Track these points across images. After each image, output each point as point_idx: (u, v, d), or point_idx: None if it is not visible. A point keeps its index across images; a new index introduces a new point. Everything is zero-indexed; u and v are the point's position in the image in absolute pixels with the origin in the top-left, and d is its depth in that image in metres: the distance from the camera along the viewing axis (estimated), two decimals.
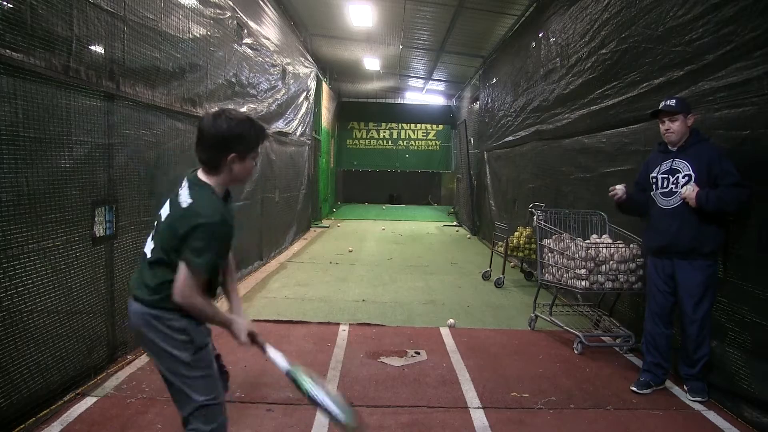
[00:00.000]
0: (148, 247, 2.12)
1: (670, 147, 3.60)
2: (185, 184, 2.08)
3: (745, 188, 3.24)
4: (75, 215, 3.32)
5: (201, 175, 2.08)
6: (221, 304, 2.24)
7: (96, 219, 3.54)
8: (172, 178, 4.37)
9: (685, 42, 3.88)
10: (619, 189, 3.86)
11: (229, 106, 6.03)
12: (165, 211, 2.10)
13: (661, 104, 3.56)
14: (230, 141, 2.01)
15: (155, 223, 2.14)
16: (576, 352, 4.43)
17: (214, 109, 2.09)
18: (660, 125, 3.61)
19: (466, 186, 13.43)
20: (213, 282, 2.15)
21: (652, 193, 3.68)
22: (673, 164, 3.55)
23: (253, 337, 2.18)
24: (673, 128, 3.52)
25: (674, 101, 3.52)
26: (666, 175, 3.58)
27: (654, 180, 3.66)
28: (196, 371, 2.06)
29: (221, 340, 4.19)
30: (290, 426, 3.12)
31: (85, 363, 3.47)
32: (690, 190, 3.41)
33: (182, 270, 1.96)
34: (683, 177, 3.48)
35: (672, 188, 3.54)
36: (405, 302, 6.02)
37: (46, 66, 3.00)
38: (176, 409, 2.13)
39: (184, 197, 2.02)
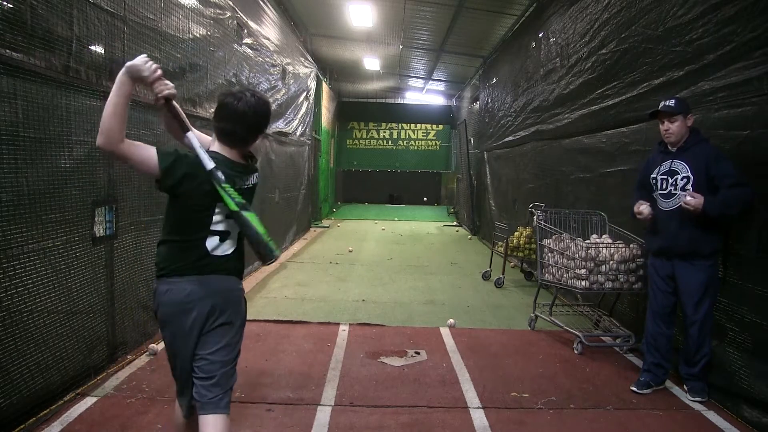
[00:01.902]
0: (226, 246, 2.20)
1: (669, 147, 3.59)
2: (243, 176, 2.18)
3: (745, 187, 3.22)
4: (75, 215, 3.32)
5: (232, 156, 2.16)
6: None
7: (96, 219, 3.54)
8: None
9: (685, 42, 3.88)
10: (646, 211, 3.66)
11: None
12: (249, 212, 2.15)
13: (660, 105, 3.55)
14: (264, 125, 2.21)
15: (226, 226, 2.17)
16: (576, 352, 4.43)
17: (236, 89, 2.24)
18: (660, 125, 3.60)
19: (466, 186, 13.43)
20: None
21: (653, 194, 3.67)
22: (672, 165, 3.54)
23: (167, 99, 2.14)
24: (672, 129, 3.51)
25: (673, 101, 3.51)
26: (665, 177, 3.57)
27: (654, 181, 3.65)
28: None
29: None
30: (290, 426, 3.12)
31: (85, 363, 3.47)
32: (694, 201, 3.31)
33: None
34: (682, 179, 3.47)
35: (671, 190, 3.53)
36: (405, 302, 6.02)
37: (46, 66, 3.00)
38: (220, 385, 2.17)
39: (254, 179, 2.24)
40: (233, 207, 2.03)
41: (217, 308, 2.18)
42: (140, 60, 2.07)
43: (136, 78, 2.07)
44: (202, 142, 2.19)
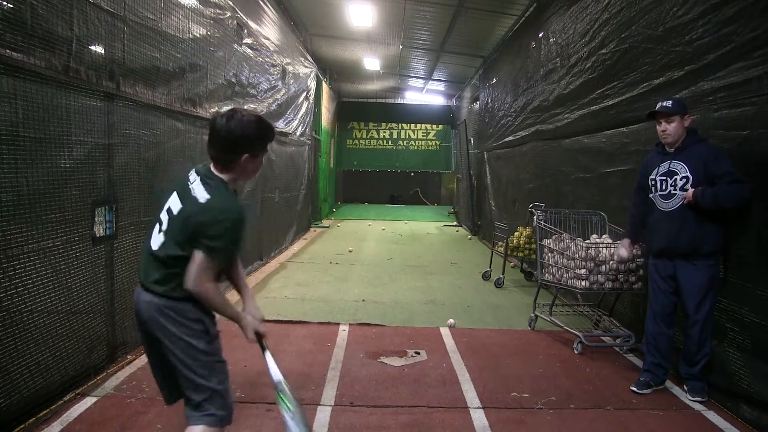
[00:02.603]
0: (156, 240, 2.13)
1: (667, 148, 3.60)
2: (196, 178, 2.12)
3: (744, 184, 3.23)
4: (75, 215, 3.32)
5: (214, 169, 2.14)
6: (231, 296, 2.26)
7: (96, 219, 3.54)
8: (172, 177, 4.37)
9: (685, 42, 3.88)
10: (625, 255, 4.04)
11: (229, 107, 6.03)
12: (175, 204, 2.12)
13: (658, 105, 3.56)
14: (243, 143, 2.08)
15: (163, 216, 2.14)
16: (576, 352, 4.43)
17: (227, 108, 2.19)
18: (657, 126, 3.61)
19: (466, 186, 13.43)
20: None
21: (651, 195, 3.67)
22: (671, 166, 3.54)
23: (259, 337, 2.25)
24: (669, 129, 3.52)
25: (670, 102, 3.52)
26: (664, 178, 3.58)
27: (653, 182, 3.65)
28: (211, 357, 2.14)
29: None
30: None
31: (85, 363, 3.48)
32: (686, 193, 3.42)
33: (197, 259, 2.00)
34: (681, 179, 3.48)
35: (670, 190, 3.53)
36: (405, 302, 6.02)
37: (46, 66, 3.00)
38: (186, 395, 2.16)
39: (200, 192, 2.07)
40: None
41: (144, 328, 2.18)
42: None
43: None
44: None
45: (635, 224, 3.92)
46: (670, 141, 3.54)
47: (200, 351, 2.11)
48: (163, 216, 2.14)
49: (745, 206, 3.27)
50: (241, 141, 2.07)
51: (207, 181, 2.10)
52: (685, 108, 3.54)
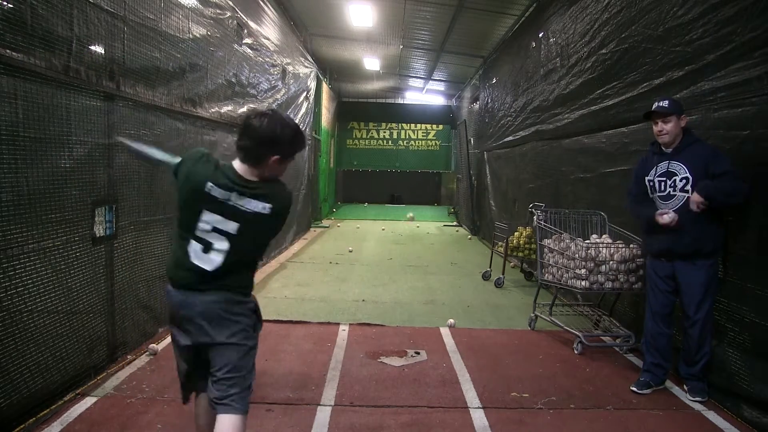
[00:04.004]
0: (209, 261, 2.15)
1: (664, 148, 3.59)
2: (234, 193, 2.13)
3: (743, 182, 3.24)
4: (75, 215, 3.33)
5: (243, 172, 2.16)
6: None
7: (96, 219, 3.54)
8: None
9: (685, 42, 3.88)
10: (668, 219, 3.47)
11: (229, 107, 6.03)
12: (226, 224, 2.14)
13: (654, 105, 3.56)
14: (278, 145, 2.13)
15: (208, 236, 2.15)
16: (576, 352, 4.43)
17: (263, 108, 2.25)
18: (653, 126, 3.60)
19: (466, 186, 13.43)
20: None
21: (650, 196, 3.67)
22: (669, 167, 3.54)
23: None
24: (666, 129, 3.52)
25: (667, 102, 3.52)
26: (663, 179, 3.57)
27: (651, 183, 3.64)
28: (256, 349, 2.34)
29: None
30: (290, 426, 3.12)
31: (85, 363, 3.47)
32: (693, 196, 3.36)
33: None
34: (681, 180, 3.47)
35: (670, 191, 3.53)
36: (405, 302, 6.02)
37: (46, 66, 3.00)
38: (231, 387, 2.29)
39: (257, 206, 2.14)
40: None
41: (196, 330, 2.22)
42: None
43: None
44: None
45: (642, 206, 3.68)
46: (667, 141, 3.54)
47: (254, 340, 2.38)
48: (208, 236, 2.15)
49: (744, 205, 3.28)
50: (278, 141, 2.13)
51: (253, 191, 2.14)
52: (682, 108, 3.54)
